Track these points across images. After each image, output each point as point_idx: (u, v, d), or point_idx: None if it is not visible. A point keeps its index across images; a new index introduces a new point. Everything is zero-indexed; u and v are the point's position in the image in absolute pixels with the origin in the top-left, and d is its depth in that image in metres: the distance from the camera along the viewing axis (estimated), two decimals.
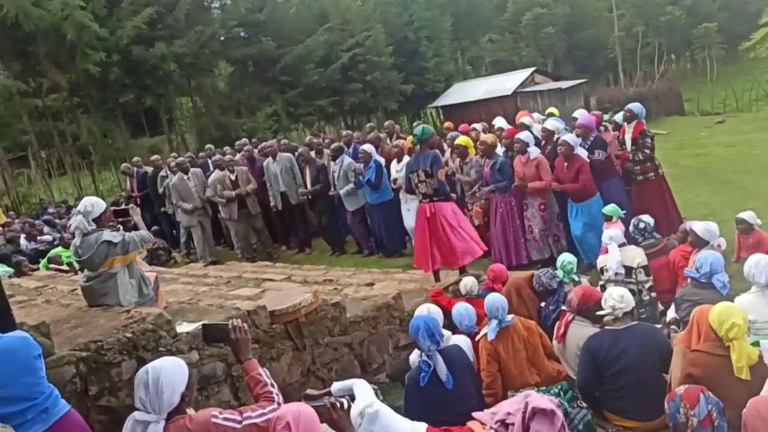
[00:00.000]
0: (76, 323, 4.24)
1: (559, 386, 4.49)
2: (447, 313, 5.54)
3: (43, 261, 10.69)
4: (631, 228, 6.62)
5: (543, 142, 8.65)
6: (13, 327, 3.18)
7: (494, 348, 4.80)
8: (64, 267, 9.79)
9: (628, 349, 4.36)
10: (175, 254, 12.77)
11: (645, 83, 36.94)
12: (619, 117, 8.68)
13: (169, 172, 11.98)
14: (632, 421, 4.41)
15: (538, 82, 29.64)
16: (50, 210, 18.55)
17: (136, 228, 5.25)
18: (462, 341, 5.03)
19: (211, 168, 11.82)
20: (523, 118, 10.08)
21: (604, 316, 4.72)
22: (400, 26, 35.96)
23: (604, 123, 9.45)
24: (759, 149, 15.73)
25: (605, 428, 4.47)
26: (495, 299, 4.94)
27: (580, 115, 8.70)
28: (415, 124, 14.61)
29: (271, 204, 11.36)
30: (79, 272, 5.64)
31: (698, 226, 5.94)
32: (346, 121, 34.98)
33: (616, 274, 6.21)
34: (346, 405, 3.11)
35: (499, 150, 8.83)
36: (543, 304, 5.80)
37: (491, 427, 3.91)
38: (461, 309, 5.47)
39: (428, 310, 5.13)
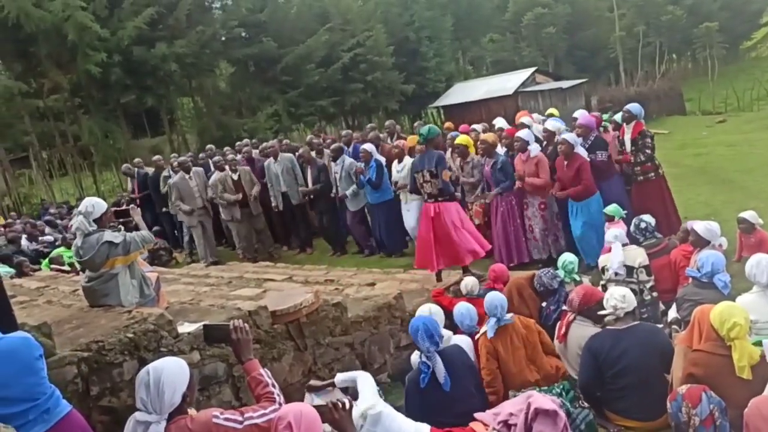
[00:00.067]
0: (77, 324, 4.24)
1: (561, 386, 4.49)
2: (448, 313, 5.54)
3: (45, 261, 10.70)
4: (632, 228, 6.62)
5: (545, 142, 8.63)
6: (14, 327, 3.18)
7: (493, 346, 4.85)
8: (66, 267, 9.79)
9: (630, 349, 4.35)
10: (176, 254, 12.78)
11: (646, 83, 36.95)
12: (619, 117, 8.67)
13: (171, 172, 11.97)
14: (634, 421, 4.40)
15: (539, 81, 29.64)
16: (51, 210, 18.57)
17: (137, 228, 5.25)
18: (463, 341, 5.04)
19: (212, 169, 11.81)
20: (523, 118, 10.09)
21: (605, 315, 4.72)
22: (401, 26, 35.99)
23: (603, 123, 9.45)
24: (760, 149, 15.72)
25: (607, 428, 4.47)
26: (494, 297, 4.98)
27: (580, 115, 8.70)
28: (416, 124, 14.62)
29: (273, 204, 11.35)
30: (80, 273, 5.64)
31: (699, 226, 5.93)
32: (347, 121, 34.99)
33: (616, 273, 6.21)
34: (348, 405, 3.10)
35: (500, 150, 8.83)
36: (544, 304, 5.80)
37: (494, 428, 3.90)
38: (462, 309, 5.49)
39: (429, 310, 5.13)
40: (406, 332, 5.67)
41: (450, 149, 9.63)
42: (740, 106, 31.91)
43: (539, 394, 3.95)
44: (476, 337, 5.09)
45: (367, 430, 3.52)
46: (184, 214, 11.53)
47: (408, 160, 9.40)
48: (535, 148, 8.26)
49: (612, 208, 7.17)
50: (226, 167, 11.32)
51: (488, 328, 4.90)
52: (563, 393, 4.35)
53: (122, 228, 5.11)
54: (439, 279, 7.48)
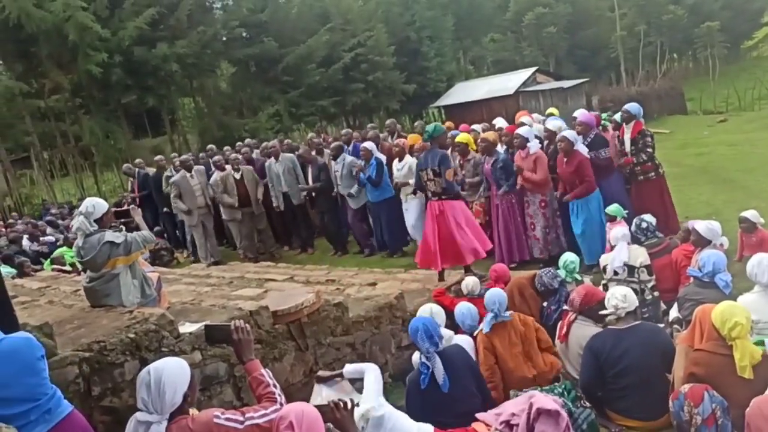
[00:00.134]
0: (78, 324, 4.24)
1: (563, 386, 4.49)
2: (449, 313, 5.55)
3: (47, 261, 10.71)
4: (633, 228, 6.62)
5: (546, 142, 8.63)
6: (16, 328, 3.18)
7: (490, 341, 4.95)
8: (67, 268, 9.80)
9: (631, 349, 4.35)
10: (177, 255, 12.78)
11: (647, 82, 36.97)
12: (619, 116, 8.67)
13: (173, 171, 11.97)
14: (635, 420, 4.40)
15: (540, 81, 29.62)
16: (53, 211, 18.59)
17: (137, 228, 5.25)
18: (464, 341, 5.05)
19: (213, 168, 11.81)
20: (523, 117, 10.09)
21: (606, 315, 4.72)
22: (402, 26, 36.01)
23: (603, 122, 9.46)
24: (761, 148, 15.72)
25: (608, 428, 4.47)
26: (494, 293, 5.10)
27: (580, 114, 8.71)
28: (416, 123, 14.62)
29: (274, 204, 11.35)
30: (81, 273, 5.65)
31: (701, 226, 5.93)
32: (348, 121, 35.00)
33: (615, 272, 6.21)
34: (350, 405, 3.10)
35: (499, 148, 8.83)
36: (545, 303, 5.80)
37: (496, 428, 3.90)
38: (463, 309, 5.50)
39: (431, 310, 5.15)
40: (407, 332, 5.67)
41: (450, 147, 9.63)
42: (741, 105, 31.90)
43: (541, 394, 3.95)
44: (474, 333, 5.18)
45: None
46: (183, 213, 11.53)
47: (408, 159, 9.41)
48: (534, 145, 8.27)
49: (613, 208, 7.16)
50: (227, 167, 11.33)
51: (484, 322, 5.00)
52: (565, 393, 4.34)
53: (123, 228, 5.11)
54: (441, 278, 7.47)
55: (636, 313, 4.70)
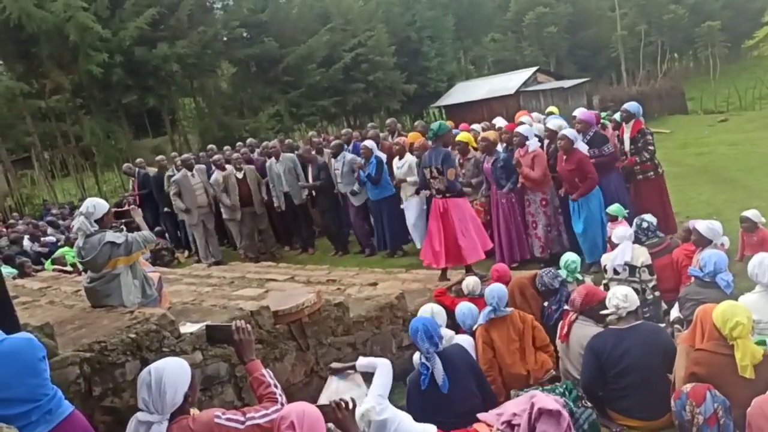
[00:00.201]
0: (79, 324, 4.24)
1: (564, 386, 4.49)
2: (450, 313, 5.56)
3: (48, 261, 10.72)
4: (633, 227, 6.61)
5: (547, 141, 8.64)
6: (17, 328, 3.18)
7: (489, 335, 5.05)
8: (68, 268, 9.81)
9: (632, 349, 4.35)
10: (178, 255, 12.78)
11: (648, 82, 36.97)
12: (618, 116, 8.68)
13: (175, 170, 11.97)
14: (636, 420, 4.40)
15: (540, 81, 29.63)
16: (54, 211, 18.61)
17: (138, 229, 5.25)
18: (465, 341, 5.06)
19: (213, 168, 11.81)
20: (523, 117, 10.09)
21: (607, 315, 4.72)
22: (403, 26, 36.00)
23: (602, 121, 9.46)
24: (762, 147, 15.72)
25: (609, 427, 4.47)
26: (494, 288, 5.21)
27: (580, 112, 8.73)
28: (416, 123, 14.62)
29: (275, 204, 11.36)
30: (82, 273, 5.65)
31: (701, 225, 5.93)
32: (349, 121, 35.00)
33: (616, 271, 6.21)
34: (351, 405, 3.10)
35: (499, 147, 8.84)
36: (546, 303, 5.80)
37: (497, 428, 3.90)
38: (464, 309, 5.52)
39: (431, 310, 5.15)
40: (408, 332, 5.67)
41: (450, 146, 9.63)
42: (742, 105, 31.89)
43: (542, 394, 3.95)
44: (474, 327, 5.26)
45: None
46: (182, 212, 11.53)
47: (408, 157, 9.43)
48: (532, 144, 8.27)
49: (615, 208, 7.17)
50: (228, 166, 11.34)
51: (482, 315, 5.12)
52: (566, 393, 4.34)
53: (124, 228, 5.11)
54: (445, 277, 7.47)
55: (637, 313, 4.70)
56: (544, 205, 8.30)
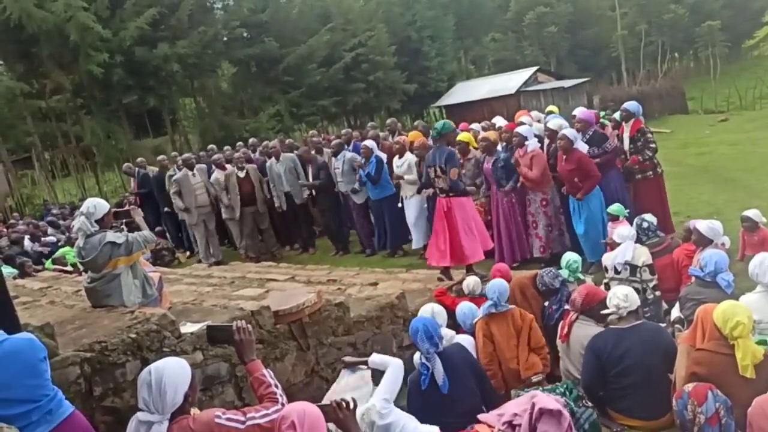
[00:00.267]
0: (80, 324, 4.24)
1: (564, 385, 4.49)
2: (451, 313, 5.56)
3: (48, 261, 10.72)
4: (634, 227, 6.61)
5: (547, 141, 8.63)
6: (17, 328, 3.18)
7: (488, 328, 5.12)
8: (68, 268, 9.80)
9: (633, 348, 4.35)
10: (179, 255, 12.78)
11: (648, 82, 37.01)
12: (618, 115, 8.68)
13: (176, 170, 11.97)
14: (637, 420, 4.40)
15: (541, 81, 29.65)
16: (54, 211, 18.61)
17: (138, 229, 5.25)
18: (465, 340, 5.07)
19: (213, 168, 11.80)
20: (523, 117, 10.08)
21: (608, 315, 4.72)
22: (403, 26, 36.04)
23: (601, 120, 9.46)
24: (763, 147, 15.72)
25: (609, 427, 4.46)
26: (496, 283, 5.29)
27: (579, 111, 8.73)
28: (416, 123, 14.63)
29: (276, 204, 11.36)
30: (83, 273, 5.65)
31: (702, 225, 5.93)
32: (349, 120, 35.03)
33: (617, 271, 6.21)
34: (352, 405, 3.10)
35: (499, 147, 8.84)
36: (546, 303, 5.80)
37: (498, 429, 3.90)
38: (465, 308, 5.52)
39: (432, 309, 5.15)
40: (408, 332, 5.68)
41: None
42: (742, 104, 31.91)
43: (543, 394, 3.95)
44: (474, 321, 5.32)
45: None
46: (181, 211, 11.53)
47: (408, 156, 9.42)
48: (532, 144, 8.27)
49: (615, 207, 7.18)
50: (228, 166, 11.34)
51: (482, 308, 5.20)
52: (567, 392, 4.34)
53: (125, 228, 5.11)
54: (449, 275, 7.48)
55: (638, 313, 4.69)
56: (544, 205, 8.30)
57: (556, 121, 8.68)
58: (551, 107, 11.98)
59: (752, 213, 6.76)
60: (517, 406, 3.95)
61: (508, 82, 29.34)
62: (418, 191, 8.85)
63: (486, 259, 7.82)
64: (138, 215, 5.72)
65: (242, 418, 3.01)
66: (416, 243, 9.61)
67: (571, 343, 5.01)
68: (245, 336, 3.41)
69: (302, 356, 4.94)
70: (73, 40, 22.46)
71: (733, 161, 14.32)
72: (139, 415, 2.99)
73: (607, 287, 5.85)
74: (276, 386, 3.28)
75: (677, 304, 5.39)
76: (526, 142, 8.24)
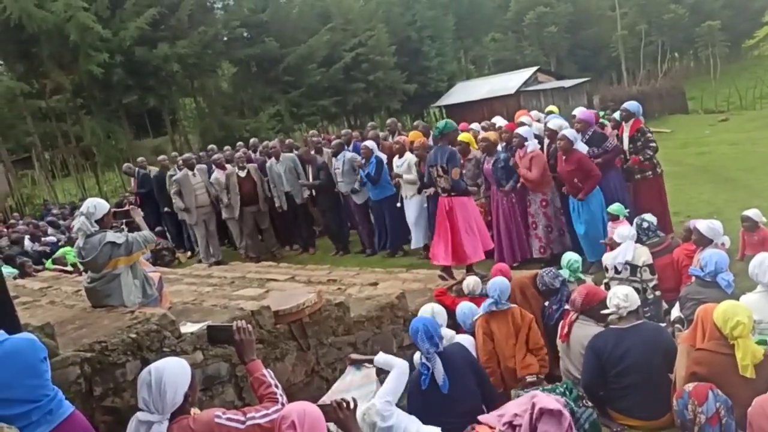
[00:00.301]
0: (80, 324, 4.23)
1: (564, 385, 4.49)
2: (451, 313, 5.56)
3: (48, 261, 10.72)
4: (634, 227, 6.61)
5: (547, 141, 8.63)
6: (17, 328, 3.18)
7: (488, 326, 5.17)
8: (69, 268, 9.80)
9: (633, 348, 4.35)
10: (179, 255, 12.78)
11: (648, 82, 37.01)
12: (618, 115, 8.68)
13: (177, 170, 11.97)
14: (637, 420, 4.40)
15: (541, 81, 29.65)
16: (54, 211, 18.60)
17: (138, 229, 5.25)
18: (466, 340, 5.07)
19: (214, 167, 11.80)
20: (523, 117, 10.08)
21: (608, 315, 4.72)
22: (403, 26, 36.03)
23: (600, 120, 9.46)
24: (763, 147, 15.72)
25: (610, 427, 4.46)
26: (497, 281, 5.34)
27: (579, 111, 8.72)
28: (415, 123, 14.63)
29: (276, 205, 11.36)
30: (83, 273, 5.65)
31: (702, 225, 5.93)
32: (349, 120, 35.02)
33: (617, 271, 6.21)
34: (352, 405, 3.10)
35: (499, 148, 8.84)
36: (546, 303, 5.80)
37: (499, 430, 3.90)
38: (465, 308, 5.53)
39: (432, 309, 5.15)
40: (408, 332, 5.67)
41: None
42: (743, 104, 31.92)
43: (543, 394, 3.95)
44: (474, 318, 5.36)
45: None
46: (181, 211, 11.54)
47: (408, 156, 9.42)
48: (531, 145, 8.26)
49: (616, 207, 7.18)
50: (228, 166, 11.34)
51: (483, 306, 5.24)
52: (566, 392, 4.34)
53: (125, 228, 5.11)
54: (450, 275, 7.48)
55: (638, 313, 4.69)
56: (544, 206, 8.30)
57: (556, 121, 8.68)
58: (551, 107, 11.98)
59: (752, 213, 6.76)
60: (517, 406, 3.96)
61: (508, 82, 29.34)
62: (419, 191, 8.85)
63: (486, 259, 7.82)
64: (138, 215, 5.71)
65: (242, 418, 3.01)
66: (416, 243, 9.61)
67: (571, 343, 5.01)
68: (245, 336, 3.41)
69: (302, 356, 4.94)
70: (73, 40, 22.44)
71: (733, 161, 14.32)
72: (139, 414, 2.99)
73: (607, 287, 5.85)
74: (276, 386, 3.28)
75: (677, 304, 5.40)
76: (526, 143, 8.24)
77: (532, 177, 8.09)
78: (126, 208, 6.10)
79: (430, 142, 9.59)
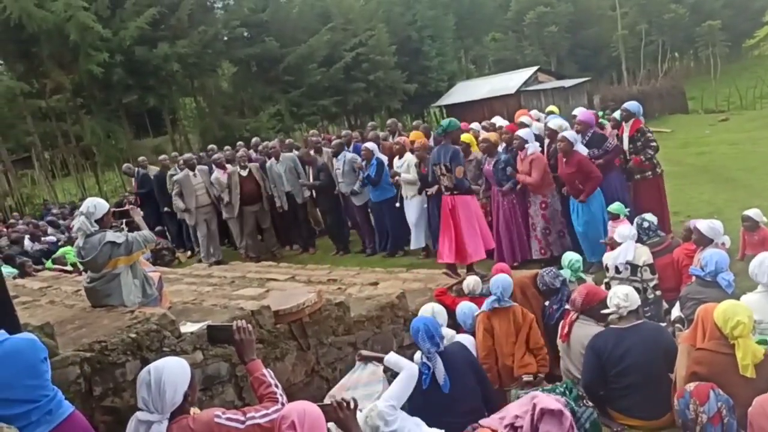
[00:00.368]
0: (80, 324, 4.23)
1: (564, 385, 4.49)
2: (451, 313, 5.55)
3: (48, 261, 10.71)
4: (634, 227, 6.61)
5: (548, 141, 8.63)
6: (17, 328, 3.17)
7: (490, 322, 5.18)
8: (68, 267, 9.80)
9: (633, 348, 4.35)
10: (179, 254, 12.78)
11: (648, 81, 37.02)
12: (618, 115, 8.67)
13: (177, 170, 11.97)
14: (637, 419, 4.40)
15: (541, 80, 29.64)
16: (54, 211, 18.59)
17: (138, 228, 5.24)
18: (466, 340, 5.07)
19: (214, 167, 11.80)
20: (523, 117, 10.08)
21: (608, 314, 4.71)
22: (403, 25, 36.01)
23: (600, 120, 9.46)
24: (763, 147, 15.72)
25: (610, 427, 4.46)
26: (500, 278, 5.35)
27: (580, 112, 8.71)
28: (414, 123, 14.63)
29: (277, 205, 11.35)
30: (82, 273, 5.64)
31: (702, 225, 5.93)
32: (350, 120, 35.01)
33: (618, 271, 6.20)
34: (353, 405, 3.09)
35: (500, 149, 8.83)
36: (547, 303, 5.80)
37: None
38: (465, 308, 5.53)
39: (432, 309, 5.15)
40: (409, 332, 5.66)
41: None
42: (743, 104, 31.92)
43: (543, 395, 3.94)
44: (476, 314, 5.38)
45: None
46: (181, 211, 11.53)
47: (408, 156, 9.41)
48: (531, 147, 8.26)
49: (616, 206, 7.18)
50: (228, 165, 11.33)
51: (486, 303, 5.26)
52: (566, 392, 4.34)
53: (126, 228, 5.10)
54: (455, 272, 7.48)
55: (638, 312, 4.69)
56: (543, 208, 8.29)
57: (556, 121, 8.68)
58: (551, 107, 11.98)
59: (753, 212, 6.76)
60: (518, 407, 3.95)
61: (509, 82, 29.32)
62: (419, 192, 8.84)
63: (486, 259, 7.82)
64: (138, 215, 5.71)
65: (242, 418, 3.01)
66: (416, 243, 9.60)
67: (571, 342, 5.01)
68: (245, 336, 3.41)
69: (302, 356, 4.93)
70: (73, 39, 22.43)
71: (733, 161, 14.32)
72: (139, 414, 2.99)
73: (608, 287, 5.85)
74: (276, 386, 3.27)
75: (677, 304, 5.39)
76: (526, 145, 8.24)
77: (531, 181, 8.09)
78: (126, 207, 6.10)
79: (431, 143, 9.61)
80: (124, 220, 5.48)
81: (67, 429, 2.90)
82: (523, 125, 9.33)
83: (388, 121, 12.84)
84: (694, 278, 5.23)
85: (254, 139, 14.47)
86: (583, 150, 7.81)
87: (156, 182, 12.84)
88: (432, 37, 36.64)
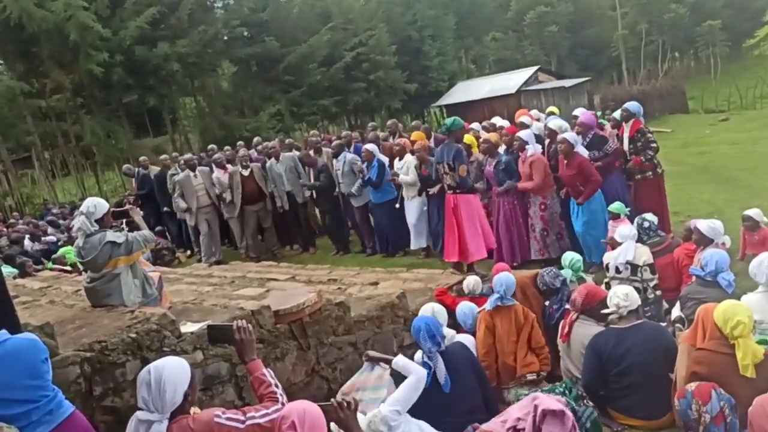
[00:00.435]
0: (80, 324, 4.23)
1: (563, 385, 4.49)
2: (451, 312, 5.55)
3: (49, 262, 10.71)
4: (635, 227, 6.61)
5: (548, 141, 8.62)
6: (17, 328, 3.17)
7: (492, 321, 5.19)
8: (68, 267, 9.79)
9: (634, 348, 4.35)
10: (179, 254, 12.78)
11: (649, 81, 37.02)
12: (618, 115, 8.67)
13: (178, 169, 11.96)
14: (637, 419, 4.40)
15: (541, 80, 29.62)
16: (54, 211, 18.59)
17: (138, 228, 5.24)
18: (466, 340, 5.07)
19: (214, 168, 11.80)
20: (523, 117, 10.07)
21: (608, 314, 4.71)
22: (404, 25, 36.01)
23: (600, 121, 9.46)
24: (763, 147, 15.71)
25: (610, 427, 4.46)
26: (503, 276, 5.35)
27: (581, 113, 8.70)
28: (414, 123, 14.63)
29: (278, 204, 11.35)
30: (83, 273, 5.64)
31: (703, 225, 5.92)
32: (350, 120, 35.01)
33: (618, 270, 6.20)
34: (353, 405, 3.09)
35: (500, 150, 8.82)
36: (547, 303, 5.80)
37: None
38: (465, 308, 5.53)
39: (433, 309, 5.15)
40: (409, 331, 5.65)
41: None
42: (743, 104, 31.92)
43: (544, 395, 3.94)
44: (478, 311, 5.40)
45: None
46: (181, 212, 11.53)
47: (408, 158, 9.40)
48: (532, 148, 8.25)
49: (616, 206, 7.18)
50: (229, 165, 11.33)
51: (488, 301, 5.26)
52: (566, 391, 4.34)
53: (125, 228, 5.10)
54: (461, 270, 7.49)
55: (638, 312, 4.69)
56: (542, 210, 8.28)
57: (555, 122, 8.67)
58: (552, 108, 11.97)
59: (753, 212, 6.77)
60: (519, 410, 3.94)
61: (509, 82, 29.31)
62: (419, 193, 8.84)
63: (487, 259, 7.82)
64: (138, 215, 5.71)
65: (242, 418, 3.01)
66: (416, 244, 9.60)
67: (571, 342, 5.01)
68: (245, 335, 3.41)
69: (303, 356, 4.93)
70: (73, 39, 22.43)
71: (733, 160, 14.31)
72: (139, 414, 2.99)
73: (608, 286, 5.85)
74: (276, 386, 3.27)
75: (678, 304, 5.39)
76: (527, 147, 8.23)
77: (531, 186, 8.09)
78: (126, 207, 6.10)
79: (431, 143, 9.61)
80: (124, 220, 5.48)
81: (67, 429, 2.90)
82: (524, 125, 9.33)
83: (389, 122, 12.83)
84: (694, 278, 5.23)
85: (255, 139, 14.47)
86: (583, 152, 7.81)
87: (156, 182, 12.84)
88: (432, 36, 36.64)
